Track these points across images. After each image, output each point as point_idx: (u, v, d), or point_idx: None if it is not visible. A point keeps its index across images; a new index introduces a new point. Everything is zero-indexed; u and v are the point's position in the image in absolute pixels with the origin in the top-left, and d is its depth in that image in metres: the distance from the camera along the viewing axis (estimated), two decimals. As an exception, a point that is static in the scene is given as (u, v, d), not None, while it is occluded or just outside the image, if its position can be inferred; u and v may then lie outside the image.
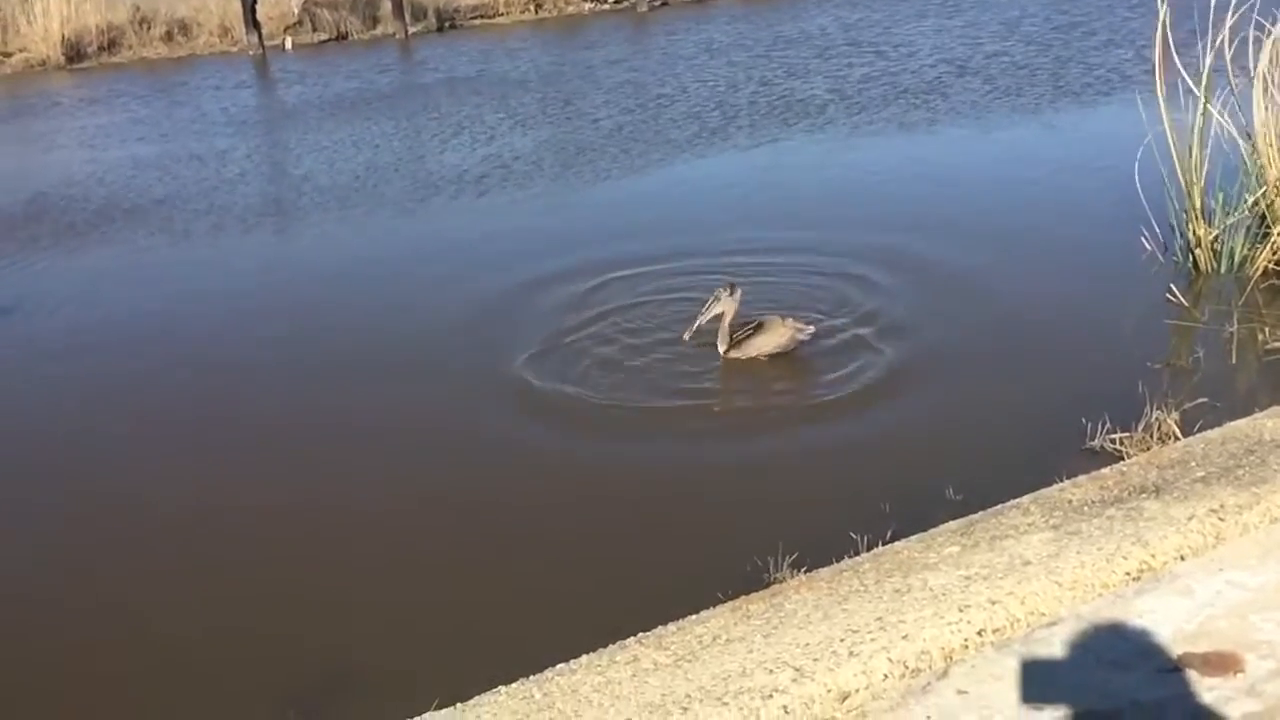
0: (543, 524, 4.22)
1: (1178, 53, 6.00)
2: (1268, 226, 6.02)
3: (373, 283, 7.28)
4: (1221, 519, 3.12)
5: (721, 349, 5.37)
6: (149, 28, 23.66)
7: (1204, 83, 5.94)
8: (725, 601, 3.05)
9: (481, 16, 26.08)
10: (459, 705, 2.70)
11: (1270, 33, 5.98)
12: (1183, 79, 5.99)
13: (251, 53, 23.02)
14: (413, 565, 4.03)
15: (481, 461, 4.74)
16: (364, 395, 5.47)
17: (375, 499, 4.51)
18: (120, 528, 4.48)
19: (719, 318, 5.37)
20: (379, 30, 24.88)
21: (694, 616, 2.97)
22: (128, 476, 4.92)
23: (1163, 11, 6.04)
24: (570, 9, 26.77)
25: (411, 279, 7.27)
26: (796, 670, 2.62)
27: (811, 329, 5.40)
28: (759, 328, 5.34)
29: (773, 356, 5.34)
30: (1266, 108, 5.95)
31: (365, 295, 7.02)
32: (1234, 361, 4.96)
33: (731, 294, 5.36)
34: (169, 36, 23.81)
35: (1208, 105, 5.98)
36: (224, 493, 4.65)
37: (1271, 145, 5.94)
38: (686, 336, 5.45)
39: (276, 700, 3.33)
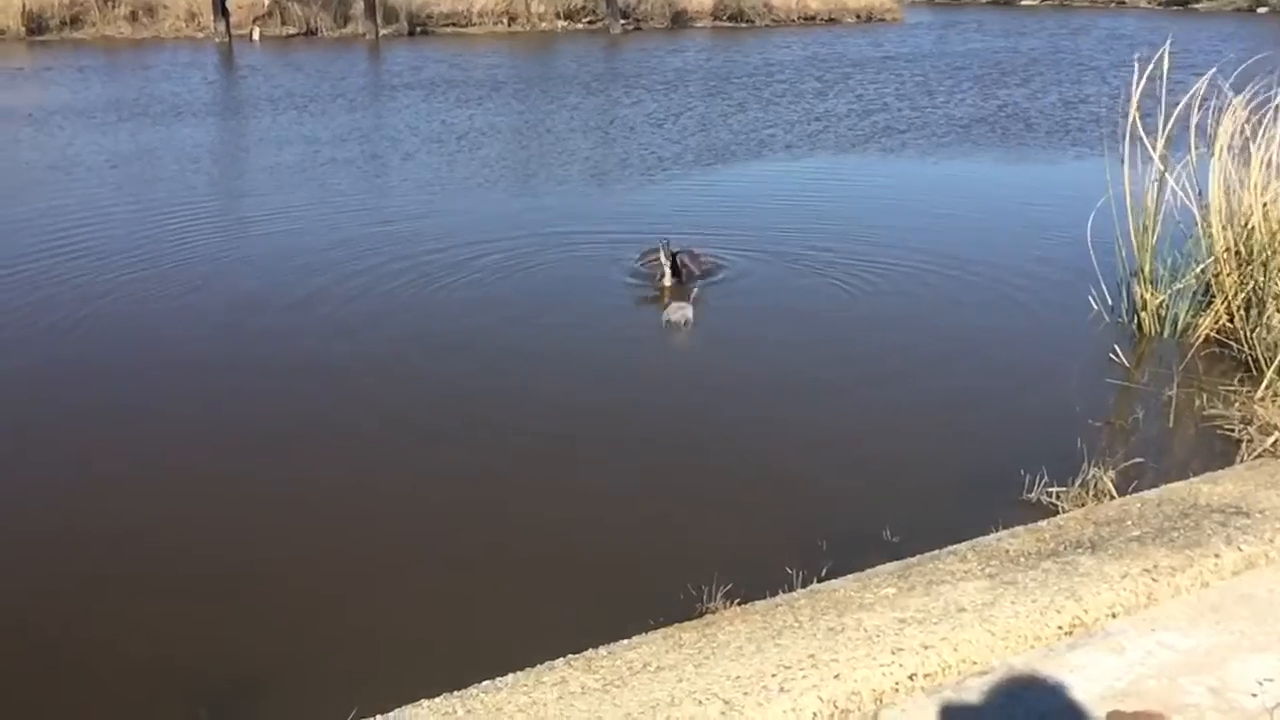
0: (480, 537, 4.15)
1: (1142, 118, 6.05)
2: (1211, 296, 6.10)
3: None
4: (1155, 579, 3.13)
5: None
6: (114, 6, 23.35)
7: (1160, 148, 6.01)
8: (657, 628, 3.01)
9: (454, 24, 26.01)
10: (379, 717, 2.63)
11: (1233, 105, 6.05)
12: (1143, 143, 6.04)
13: (218, 40, 22.76)
14: (342, 570, 3.94)
15: (421, 471, 4.67)
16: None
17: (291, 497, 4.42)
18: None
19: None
20: (349, 29, 24.74)
21: (625, 641, 2.92)
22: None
23: (1140, 74, 6.09)
24: (543, 25, 26.80)
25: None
26: (726, 703, 2.58)
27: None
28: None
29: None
30: (1222, 180, 6.02)
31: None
32: (1171, 425, 5.01)
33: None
34: (134, 17, 23.52)
35: (1164, 172, 6.04)
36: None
37: (1221, 217, 6.01)
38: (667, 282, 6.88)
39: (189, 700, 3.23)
